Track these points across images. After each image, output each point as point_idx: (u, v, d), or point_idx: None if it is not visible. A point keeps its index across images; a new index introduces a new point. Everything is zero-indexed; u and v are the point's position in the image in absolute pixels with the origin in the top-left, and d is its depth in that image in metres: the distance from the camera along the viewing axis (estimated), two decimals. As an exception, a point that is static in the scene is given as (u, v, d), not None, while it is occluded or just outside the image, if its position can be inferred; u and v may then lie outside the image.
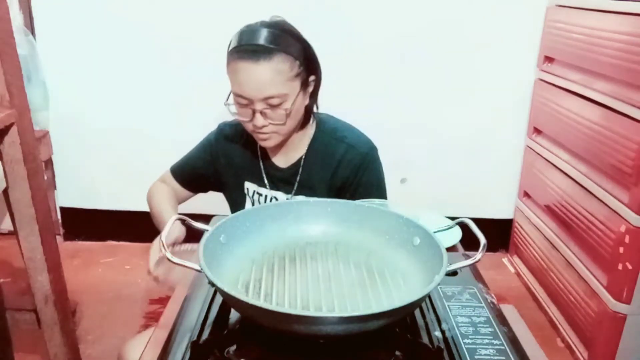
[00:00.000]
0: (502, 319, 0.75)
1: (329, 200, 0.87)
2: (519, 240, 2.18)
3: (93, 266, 2.14)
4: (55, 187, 2.24)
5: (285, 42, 1.06)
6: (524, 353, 0.68)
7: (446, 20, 2.02)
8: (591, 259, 1.64)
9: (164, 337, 0.71)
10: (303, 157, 1.19)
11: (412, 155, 2.16)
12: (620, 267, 1.48)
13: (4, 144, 1.13)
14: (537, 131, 2.05)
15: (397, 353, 0.66)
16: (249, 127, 1.10)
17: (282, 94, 1.04)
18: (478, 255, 0.69)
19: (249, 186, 1.23)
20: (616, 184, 1.52)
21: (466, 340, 0.69)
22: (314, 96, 1.16)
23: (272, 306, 0.64)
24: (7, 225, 2.09)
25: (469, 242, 0.86)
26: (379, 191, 1.19)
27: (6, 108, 1.10)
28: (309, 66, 1.10)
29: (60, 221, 2.29)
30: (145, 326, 1.76)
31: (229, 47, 1.08)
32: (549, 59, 1.97)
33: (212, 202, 2.25)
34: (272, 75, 1.03)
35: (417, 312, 0.73)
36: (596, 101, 1.64)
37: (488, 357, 0.66)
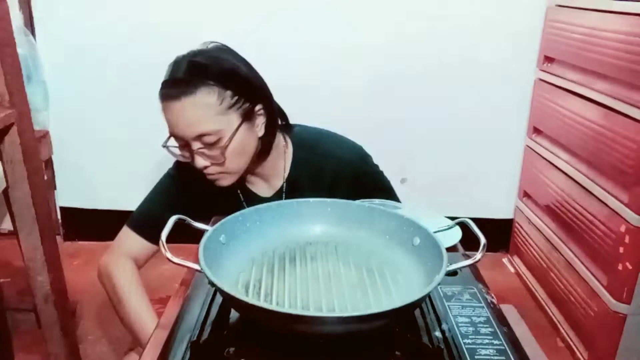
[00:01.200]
0: (502, 319, 0.75)
1: (329, 200, 0.87)
2: (519, 240, 2.18)
3: (93, 266, 2.11)
4: (55, 187, 2.24)
5: (210, 72, 0.95)
6: (524, 353, 0.68)
7: (446, 20, 2.02)
8: (591, 259, 1.64)
9: (164, 337, 0.71)
10: (284, 182, 1.09)
11: (412, 156, 2.16)
12: (620, 267, 1.48)
13: (4, 144, 1.13)
14: (537, 131, 2.05)
15: (397, 353, 0.66)
16: (198, 169, 0.99)
17: (215, 130, 0.94)
18: (478, 255, 0.69)
19: None
20: (616, 184, 1.52)
21: (466, 340, 0.69)
22: (272, 125, 1.04)
23: (272, 306, 0.64)
24: (7, 225, 2.09)
25: (469, 242, 0.86)
26: (386, 195, 1.10)
27: (6, 108, 1.10)
28: (249, 96, 0.98)
29: (60, 221, 2.29)
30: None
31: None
32: (549, 59, 1.97)
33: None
34: (198, 112, 0.93)
35: (417, 312, 0.73)
36: (596, 101, 1.64)
37: (488, 357, 0.66)
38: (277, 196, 1.11)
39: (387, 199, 1.02)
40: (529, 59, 2.06)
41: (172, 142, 1.02)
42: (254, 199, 1.10)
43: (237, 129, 0.97)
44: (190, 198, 1.10)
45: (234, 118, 0.97)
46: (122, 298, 1.08)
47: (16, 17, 1.94)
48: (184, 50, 2.13)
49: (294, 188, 1.10)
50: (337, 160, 1.08)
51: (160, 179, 1.15)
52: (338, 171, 1.08)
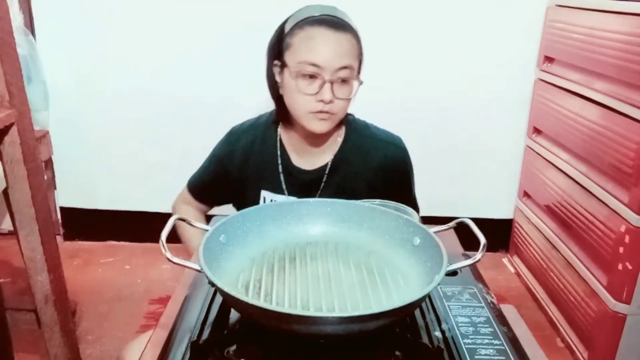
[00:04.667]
0: (502, 319, 0.75)
1: (329, 200, 0.87)
2: (519, 240, 2.18)
3: (93, 266, 2.14)
4: (55, 187, 2.25)
5: (353, 25, 1.08)
6: (524, 353, 0.68)
7: (446, 20, 2.02)
8: (591, 259, 1.64)
9: (164, 337, 0.71)
10: (332, 159, 1.14)
11: (412, 155, 2.15)
12: (620, 267, 1.48)
13: (4, 144, 1.13)
14: (537, 131, 2.05)
15: (397, 353, 0.66)
16: (308, 106, 1.04)
17: (352, 67, 1.04)
18: (478, 255, 0.69)
19: (265, 195, 1.17)
20: (616, 184, 1.52)
21: (466, 340, 0.69)
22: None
23: (272, 306, 0.64)
24: (7, 225, 2.09)
25: (469, 242, 0.86)
26: (409, 196, 1.17)
27: (6, 108, 1.10)
28: (361, 63, 1.10)
29: (60, 221, 2.29)
30: (146, 326, 1.77)
31: (287, 23, 1.07)
32: (549, 59, 1.97)
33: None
34: (349, 46, 1.03)
35: (417, 312, 0.73)
36: (596, 101, 1.64)
37: (488, 357, 0.66)
38: (320, 171, 1.14)
39: (408, 201, 1.04)
40: (529, 59, 2.06)
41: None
42: (295, 171, 1.15)
43: (357, 76, 1.08)
44: (233, 171, 1.17)
45: (356, 67, 1.07)
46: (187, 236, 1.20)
47: (16, 17, 1.94)
48: (184, 49, 2.14)
49: (338, 167, 1.14)
50: (386, 145, 1.15)
51: (212, 151, 1.22)
52: (386, 156, 1.14)
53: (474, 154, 2.21)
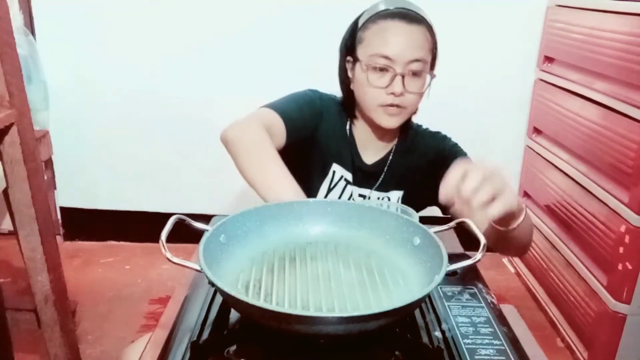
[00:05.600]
0: (502, 319, 0.75)
1: (328, 200, 0.87)
2: (519, 240, 2.17)
3: (93, 266, 2.14)
4: (55, 187, 2.25)
5: (428, 19, 1.07)
6: (524, 353, 0.68)
7: (446, 20, 2.02)
8: (591, 259, 1.64)
9: (164, 337, 0.71)
10: (392, 152, 1.15)
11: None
12: (620, 267, 1.48)
13: (4, 144, 1.13)
14: (537, 131, 2.05)
15: (397, 353, 0.66)
16: (378, 99, 1.03)
17: (425, 60, 1.03)
18: (478, 255, 0.69)
19: (337, 169, 1.13)
20: (616, 184, 1.52)
21: (466, 341, 0.69)
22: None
23: (272, 306, 0.64)
24: (7, 225, 2.09)
25: (469, 242, 0.86)
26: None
27: (6, 108, 1.10)
28: (435, 57, 1.09)
29: (60, 221, 2.29)
30: (146, 326, 1.77)
31: (360, 18, 1.07)
32: (549, 59, 1.97)
33: (212, 202, 2.26)
34: (422, 39, 1.03)
35: (417, 312, 0.73)
36: (596, 101, 1.64)
37: (488, 357, 0.66)
38: (381, 164, 1.15)
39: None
40: (529, 59, 2.06)
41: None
42: (359, 161, 1.15)
43: (431, 69, 1.07)
44: (321, 123, 1.12)
45: (429, 61, 1.06)
46: (265, 161, 0.96)
47: (16, 17, 1.94)
48: (184, 48, 2.14)
49: (396, 161, 1.15)
50: (437, 139, 1.18)
51: (297, 94, 1.13)
52: (441, 148, 1.16)
53: (474, 154, 2.19)
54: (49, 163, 2.18)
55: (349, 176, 1.14)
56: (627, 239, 1.45)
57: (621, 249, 1.47)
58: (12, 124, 1.12)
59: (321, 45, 2.07)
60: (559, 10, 1.91)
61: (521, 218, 0.87)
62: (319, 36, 2.01)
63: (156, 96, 2.12)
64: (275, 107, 1.06)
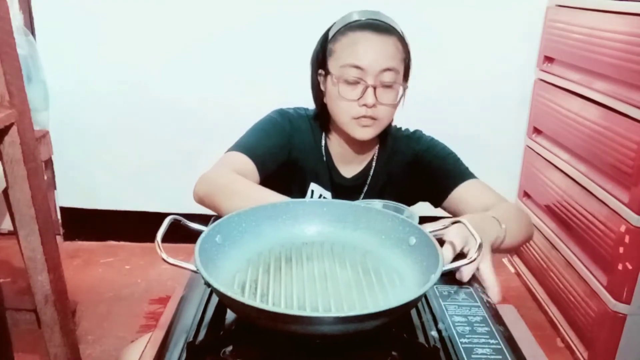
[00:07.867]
0: (498, 319, 0.75)
1: (324, 200, 0.87)
2: (519, 240, 2.17)
3: (93, 266, 2.14)
4: (55, 187, 2.25)
5: (399, 29, 1.06)
6: (521, 352, 0.68)
7: (446, 20, 2.02)
8: (591, 259, 1.63)
9: (160, 338, 0.71)
10: (373, 162, 1.15)
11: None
12: (620, 267, 1.48)
13: (4, 144, 1.13)
14: (537, 131, 2.05)
15: (394, 353, 0.66)
16: (350, 112, 1.02)
17: (397, 70, 1.02)
18: (474, 254, 0.69)
19: (315, 188, 1.13)
20: (616, 184, 1.52)
21: (462, 340, 0.69)
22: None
23: (269, 306, 0.64)
24: (7, 225, 2.10)
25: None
26: (453, 157, 1.17)
27: (6, 108, 1.10)
28: (408, 67, 1.07)
29: (60, 221, 2.29)
30: (145, 326, 1.77)
31: (330, 31, 1.07)
32: (549, 59, 1.97)
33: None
34: (393, 49, 1.02)
35: (413, 312, 0.73)
36: (596, 101, 1.63)
37: (485, 356, 0.66)
38: (361, 176, 1.14)
39: (465, 175, 1.15)
40: (529, 59, 2.06)
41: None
42: (337, 176, 1.14)
43: (403, 80, 1.06)
44: (293, 148, 1.12)
45: (402, 71, 1.05)
46: (240, 186, 0.97)
47: (16, 17, 1.94)
48: (184, 47, 2.14)
49: (378, 173, 1.15)
50: (408, 142, 1.16)
51: (265, 121, 1.11)
52: (417, 150, 1.14)
53: (474, 154, 2.19)
54: (49, 163, 2.19)
55: (327, 195, 1.14)
56: (627, 239, 1.45)
57: (621, 249, 1.47)
58: (12, 124, 1.12)
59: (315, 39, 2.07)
60: (559, 10, 1.91)
61: (501, 241, 0.96)
62: (317, 36, 2.01)
63: (156, 96, 2.13)
64: (241, 146, 1.06)
